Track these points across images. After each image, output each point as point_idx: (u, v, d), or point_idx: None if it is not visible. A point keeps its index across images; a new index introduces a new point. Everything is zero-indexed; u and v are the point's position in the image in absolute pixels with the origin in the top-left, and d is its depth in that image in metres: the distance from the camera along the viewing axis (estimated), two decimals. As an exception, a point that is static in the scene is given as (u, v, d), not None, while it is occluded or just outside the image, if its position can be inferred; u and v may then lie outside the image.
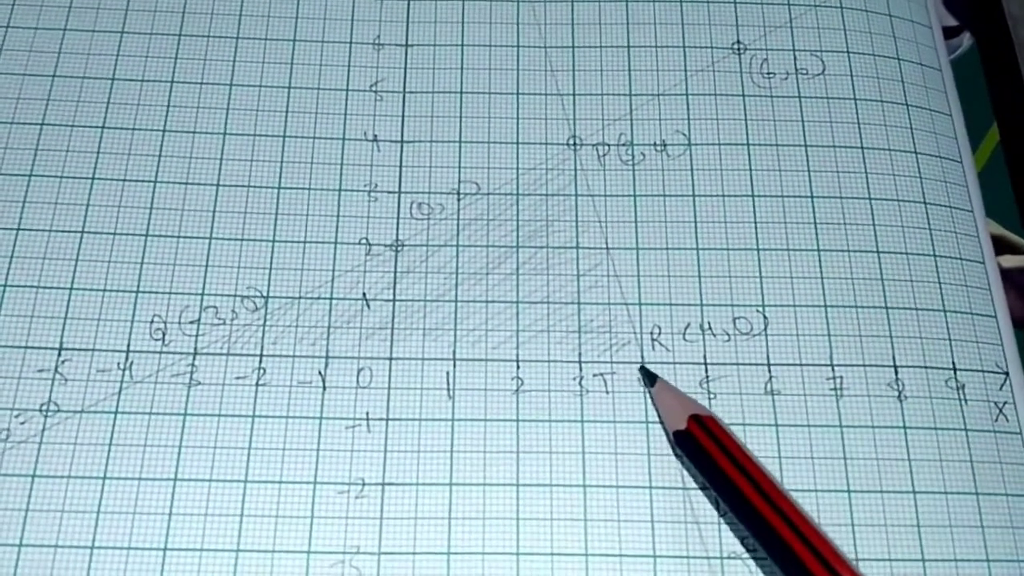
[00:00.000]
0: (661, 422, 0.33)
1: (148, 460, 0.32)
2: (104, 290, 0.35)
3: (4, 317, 0.34)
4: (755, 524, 0.30)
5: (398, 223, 0.36)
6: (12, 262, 0.35)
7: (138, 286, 0.35)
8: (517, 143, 0.38)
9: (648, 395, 0.34)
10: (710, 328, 0.35)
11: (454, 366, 0.34)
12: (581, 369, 0.34)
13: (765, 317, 0.35)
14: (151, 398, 0.33)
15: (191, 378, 0.33)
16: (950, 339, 0.35)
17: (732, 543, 0.32)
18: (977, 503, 0.33)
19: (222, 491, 0.32)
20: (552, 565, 0.31)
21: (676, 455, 0.33)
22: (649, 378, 0.34)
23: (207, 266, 0.35)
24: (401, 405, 0.33)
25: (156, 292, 0.35)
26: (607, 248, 0.36)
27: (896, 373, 0.34)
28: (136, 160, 0.37)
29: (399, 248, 0.36)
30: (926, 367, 0.34)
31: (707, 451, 0.31)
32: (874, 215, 0.36)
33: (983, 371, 0.34)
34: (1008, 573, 0.32)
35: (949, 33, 0.43)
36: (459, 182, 0.37)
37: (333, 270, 0.35)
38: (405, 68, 0.39)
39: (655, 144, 0.38)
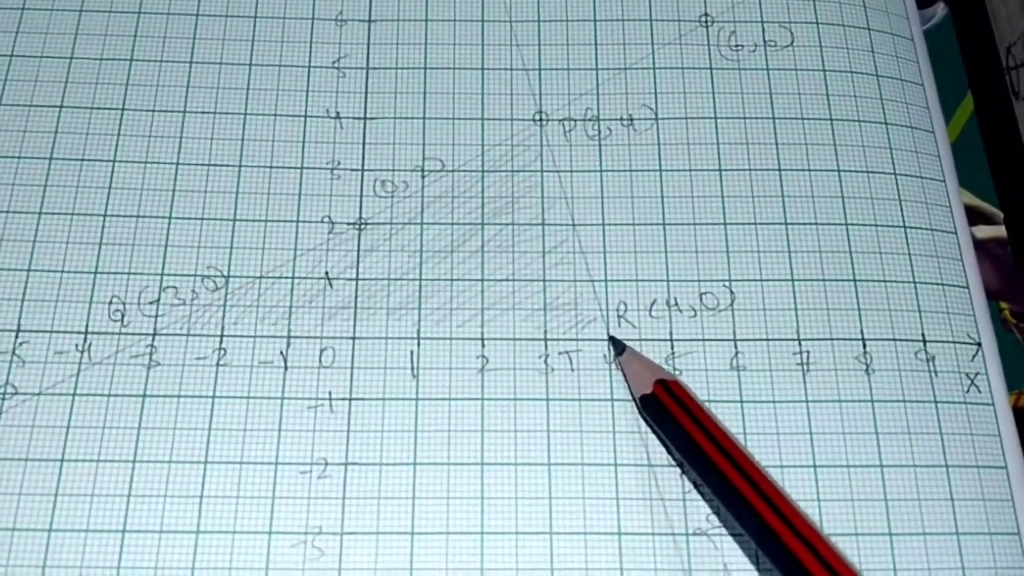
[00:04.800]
0: (629, 389, 0.33)
1: (107, 442, 0.32)
2: (62, 271, 0.34)
3: (-38, 300, 0.34)
4: (719, 486, 0.30)
5: (361, 201, 0.36)
6: (-30, 245, 0.35)
7: (97, 267, 0.34)
8: (482, 119, 0.37)
9: (615, 368, 0.33)
10: (676, 304, 0.34)
11: (418, 345, 0.34)
12: (547, 347, 0.34)
13: (732, 292, 0.35)
14: (110, 380, 0.33)
15: (150, 359, 0.33)
16: (920, 311, 0.34)
17: (697, 520, 0.32)
18: (947, 476, 0.32)
19: (182, 472, 0.32)
20: (517, 544, 0.31)
21: (641, 430, 0.32)
22: (617, 347, 0.33)
23: (167, 246, 0.35)
24: (364, 385, 0.33)
25: (115, 273, 0.34)
26: (573, 224, 0.36)
27: (864, 346, 0.34)
28: (94, 140, 0.36)
29: (362, 226, 0.35)
30: (895, 339, 0.34)
31: (671, 414, 0.31)
32: (843, 187, 0.36)
33: (954, 342, 0.34)
34: (978, 546, 0.31)
35: (923, 3, 0.43)
36: (423, 159, 0.36)
37: (295, 249, 0.35)
38: (368, 44, 0.38)
39: (622, 119, 0.37)
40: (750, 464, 0.30)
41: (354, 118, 0.37)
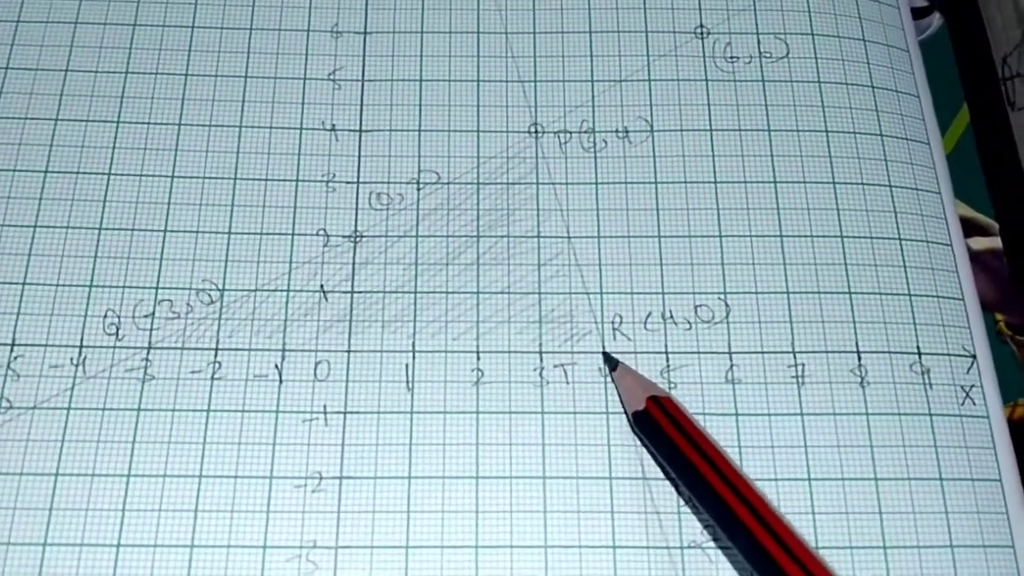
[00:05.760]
0: (622, 404, 0.33)
1: (101, 456, 0.32)
2: (57, 284, 0.34)
3: (-43, 314, 0.34)
4: (711, 502, 0.30)
5: (356, 214, 0.36)
6: (-36, 258, 0.35)
7: (92, 280, 0.34)
8: (478, 131, 0.37)
9: (609, 383, 0.33)
10: (671, 317, 0.34)
11: (413, 358, 0.34)
12: (542, 360, 0.34)
13: (727, 305, 0.35)
14: (104, 393, 0.33)
15: (145, 373, 0.33)
16: (915, 323, 0.34)
17: (692, 533, 0.32)
18: (941, 488, 0.32)
19: (176, 486, 0.32)
20: (511, 558, 0.31)
21: (636, 443, 0.32)
22: (611, 363, 0.33)
23: (162, 259, 0.35)
24: (359, 398, 0.33)
25: (110, 286, 0.34)
26: (568, 237, 0.36)
27: (859, 359, 0.34)
28: (89, 152, 0.36)
29: (357, 239, 0.35)
30: (890, 352, 0.34)
31: (664, 430, 0.31)
32: (838, 199, 0.36)
33: (949, 355, 0.34)
34: (972, 559, 0.31)
35: (919, 14, 0.43)
36: (419, 171, 0.36)
37: (290, 262, 0.35)
38: (364, 56, 0.38)
39: (617, 131, 0.37)
40: (742, 481, 0.30)
41: (349, 130, 0.37)
